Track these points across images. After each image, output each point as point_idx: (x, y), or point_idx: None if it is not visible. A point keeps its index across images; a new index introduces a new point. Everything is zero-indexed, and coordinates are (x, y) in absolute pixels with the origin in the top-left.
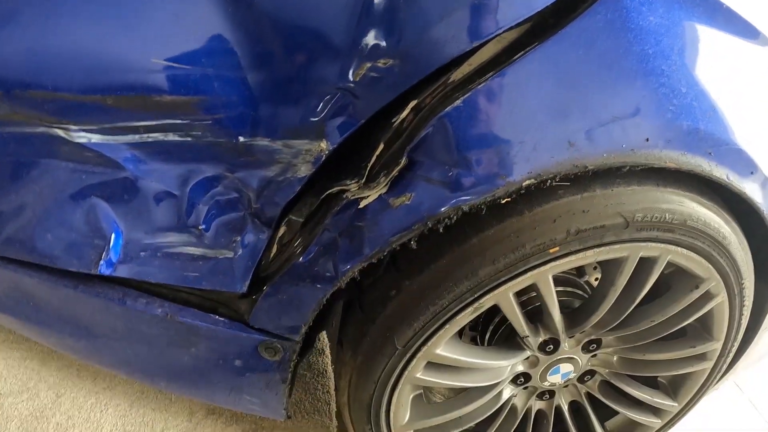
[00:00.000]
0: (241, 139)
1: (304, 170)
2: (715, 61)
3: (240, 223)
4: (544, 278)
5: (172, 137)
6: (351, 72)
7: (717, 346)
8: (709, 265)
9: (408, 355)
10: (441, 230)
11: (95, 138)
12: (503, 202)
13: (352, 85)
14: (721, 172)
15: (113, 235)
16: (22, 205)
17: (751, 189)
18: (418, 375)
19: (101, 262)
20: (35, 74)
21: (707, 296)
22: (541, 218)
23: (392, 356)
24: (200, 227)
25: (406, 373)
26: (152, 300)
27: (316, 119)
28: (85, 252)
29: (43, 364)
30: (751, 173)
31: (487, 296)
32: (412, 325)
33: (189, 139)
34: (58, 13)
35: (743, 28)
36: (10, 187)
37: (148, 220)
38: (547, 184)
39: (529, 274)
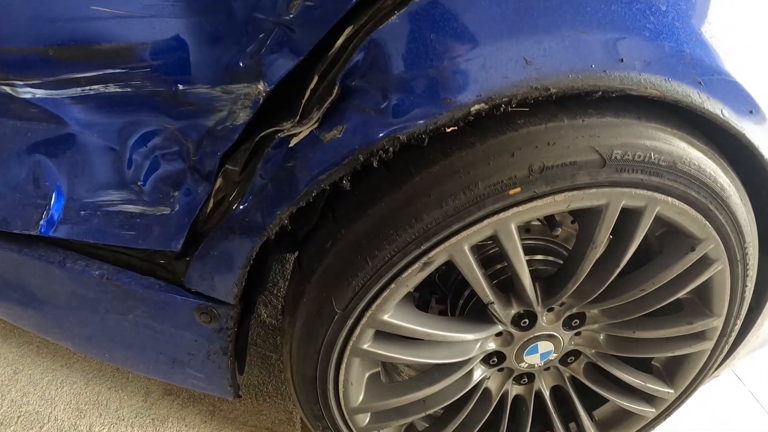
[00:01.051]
0: (180, 87)
1: (243, 117)
2: None
3: (178, 177)
4: (506, 228)
5: (112, 88)
6: (286, 4)
7: (717, 323)
8: (706, 222)
9: (351, 322)
10: (376, 165)
11: (39, 93)
12: (448, 130)
13: (288, 18)
14: (714, 106)
15: (55, 194)
16: None
17: (751, 131)
18: (365, 347)
19: (42, 221)
20: None
21: (705, 261)
22: (496, 151)
23: (332, 321)
24: (139, 183)
25: (350, 343)
26: (91, 262)
27: (253, 60)
28: (27, 212)
29: (3, 341)
30: (750, 112)
31: (437, 249)
32: (350, 283)
33: (129, 89)
34: None
35: None
36: None
37: (90, 178)
38: (501, 110)
39: (486, 221)
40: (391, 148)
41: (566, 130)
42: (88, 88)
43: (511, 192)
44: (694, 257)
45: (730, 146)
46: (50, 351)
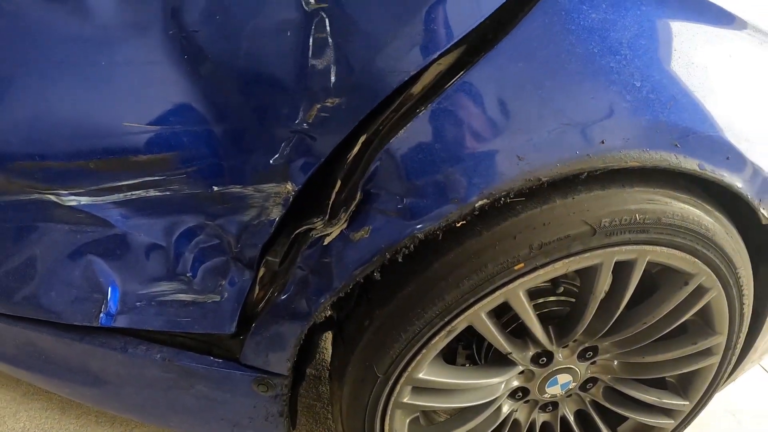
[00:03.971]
0: (215, 188)
1: (276, 212)
2: (677, 49)
3: (224, 268)
4: (515, 295)
5: (153, 193)
6: (303, 114)
7: (721, 339)
8: (695, 260)
9: (391, 382)
10: (400, 260)
11: (84, 200)
12: (458, 225)
13: (306, 126)
14: (691, 163)
15: (110, 289)
16: (26, 267)
17: (729, 175)
18: (405, 400)
19: (101, 314)
20: (23, 146)
21: (700, 291)
22: (500, 236)
23: (375, 384)
24: (188, 274)
25: (392, 399)
26: (151, 346)
27: (280, 163)
28: (85, 306)
29: (63, 413)
30: (727, 158)
31: (458, 319)
32: (388, 353)
33: (168, 193)
34: (37, 88)
35: (711, 14)
36: (13, 250)
37: (141, 272)
38: (502, 202)
39: (497, 293)
40: (411, 245)
41: (559, 209)
42: (129, 193)
43: (516, 268)
44: (688, 289)
45: (711, 185)
46: (108, 419)
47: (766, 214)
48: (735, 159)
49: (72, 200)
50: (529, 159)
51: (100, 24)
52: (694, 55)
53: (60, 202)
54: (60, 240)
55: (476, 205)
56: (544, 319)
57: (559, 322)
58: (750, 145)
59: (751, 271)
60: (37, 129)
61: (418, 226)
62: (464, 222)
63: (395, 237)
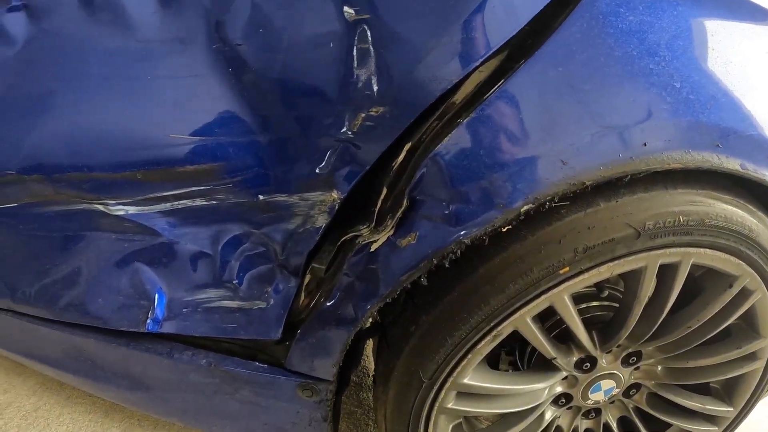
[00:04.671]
0: (261, 197)
1: (321, 220)
2: (714, 48)
3: (269, 275)
4: (560, 299)
5: (199, 202)
6: (348, 124)
7: (765, 343)
8: (740, 261)
9: (436, 387)
10: (447, 265)
11: (131, 210)
12: (504, 230)
13: (351, 135)
14: (733, 163)
15: (157, 295)
16: (73, 274)
17: None
18: (449, 405)
19: (148, 320)
20: (71, 159)
21: (744, 293)
22: (545, 240)
23: (420, 389)
24: (234, 282)
25: (437, 404)
26: (197, 352)
27: (325, 171)
28: (132, 312)
29: (106, 416)
30: None
31: (504, 324)
32: (434, 358)
33: (214, 202)
34: (84, 102)
35: (746, 11)
36: (61, 258)
37: (187, 279)
38: (547, 207)
39: (542, 297)
40: (458, 250)
41: (603, 212)
42: (176, 203)
43: (561, 272)
44: (733, 292)
45: (754, 184)
46: (151, 423)
47: None
48: None
49: (119, 209)
50: (573, 163)
51: (143, 38)
52: (732, 53)
53: (107, 211)
54: (107, 248)
55: (521, 210)
56: (588, 323)
57: (603, 327)
58: None
59: None
60: (84, 142)
61: (465, 232)
62: (510, 227)
63: (442, 243)
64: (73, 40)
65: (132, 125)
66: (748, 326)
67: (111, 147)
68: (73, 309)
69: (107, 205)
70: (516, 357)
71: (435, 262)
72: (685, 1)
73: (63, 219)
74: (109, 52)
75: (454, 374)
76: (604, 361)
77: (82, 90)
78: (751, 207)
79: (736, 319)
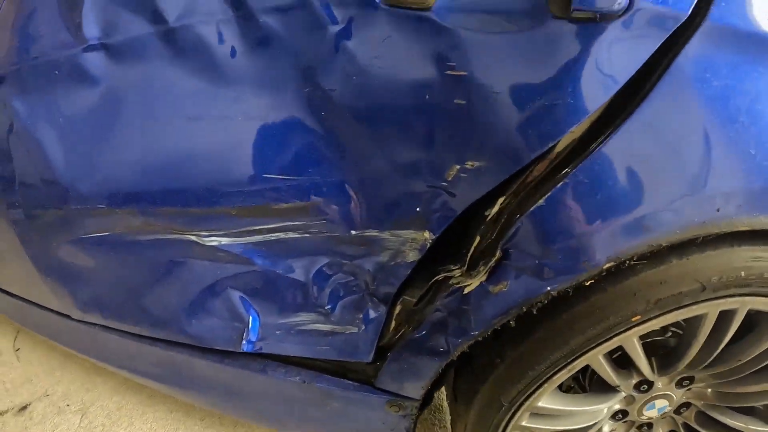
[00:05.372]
0: (353, 232)
1: (412, 256)
2: None
3: (361, 303)
4: (629, 341)
5: (292, 235)
6: (443, 173)
7: None
8: None
9: (514, 409)
10: (535, 312)
11: (225, 240)
12: (587, 284)
13: (445, 184)
14: None
15: (251, 318)
16: (169, 297)
17: None
18: (523, 423)
19: (243, 342)
20: (163, 195)
21: None
22: (622, 293)
23: (500, 410)
24: (326, 307)
25: (512, 422)
26: (290, 369)
27: (418, 213)
28: (227, 333)
29: (187, 415)
30: None
31: (579, 359)
32: (516, 386)
33: (307, 235)
34: (175, 141)
35: None
36: (156, 282)
37: (280, 304)
38: (626, 265)
39: (615, 338)
40: (545, 300)
41: (675, 268)
42: (269, 235)
43: (633, 319)
44: None
45: None
46: (231, 421)
47: None
48: None
49: (213, 241)
50: (652, 228)
51: (232, 80)
52: None
53: (201, 242)
54: (201, 273)
55: (604, 267)
56: (648, 348)
57: (663, 355)
58: None
59: None
60: (177, 179)
61: (554, 285)
62: (592, 281)
63: (531, 293)
64: (159, 80)
65: (226, 164)
66: None
67: (204, 185)
68: (169, 328)
69: (200, 236)
70: (579, 377)
71: (524, 309)
72: (765, 61)
73: (155, 246)
74: (198, 92)
75: (531, 399)
76: (660, 383)
77: (173, 129)
78: None
79: None
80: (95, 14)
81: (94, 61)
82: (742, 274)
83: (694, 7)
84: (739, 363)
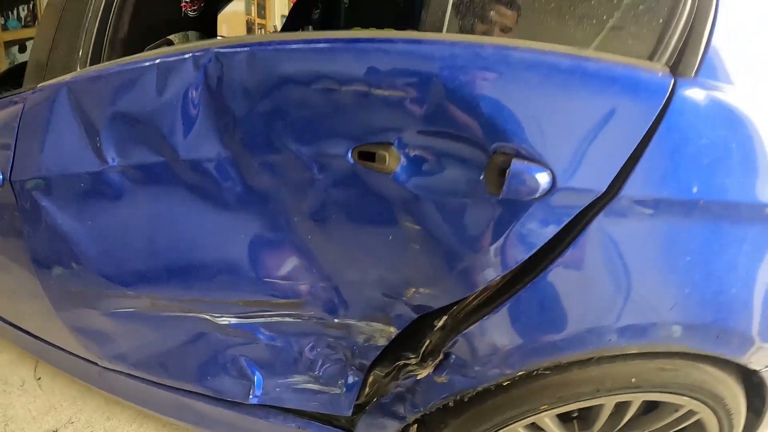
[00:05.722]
0: (336, 320)
1: (382, 341)
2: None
3: (342, 371)
4: (542, 420)
5: (288, 320)
6: (403, 292)
7: None
8: (690, 400)
9: None
10: (466, 399)
11: (234, 321)
12: (505, 384)
13: (405, 299)
14: (719, 352)
15: (256, 378)
16: (188, 358)
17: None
18: None
19: (250, 395)
20: (183, 290)
21: (688, 414)
22: (533, 390)
23: None
24: (316, 372)
25: None
26: (288, 416)
27: (385, 313)
28: (237, 389)
29: None
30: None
31: (503, 429)
32: None
33: (300, 320)
34: (195, 253)
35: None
36: (177, 347)
37: (279, 368)
38: (536, 372)
39: (529, 418)
40: (475, 392)
41: (575, 375)
42: (270, 319)
43: (542, 408)
44: (680, 413)
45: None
46: None
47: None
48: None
49: (224, 321)
50: (558, 350)
51: (236, 208)
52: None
53: (214, 321)
54: (215, 342)
55: (518, 374)
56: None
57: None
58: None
59: (743, 407)
60: (193, 280)
61: (480, 383)
62: (509, 381)
63: (464, 386)
64: (172, 200)
65: (232, 270)
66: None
67: (217, 286)
68: (188, 381)
69: (214, 317)
70: None
71: (458, 397)
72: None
73: (176, 321)
74: (206, 213)
75: None
76: None
77: (187, 241)
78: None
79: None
80: (114, 142)
81: (115, 179)
82: (633, 380)
83: (609, 185)
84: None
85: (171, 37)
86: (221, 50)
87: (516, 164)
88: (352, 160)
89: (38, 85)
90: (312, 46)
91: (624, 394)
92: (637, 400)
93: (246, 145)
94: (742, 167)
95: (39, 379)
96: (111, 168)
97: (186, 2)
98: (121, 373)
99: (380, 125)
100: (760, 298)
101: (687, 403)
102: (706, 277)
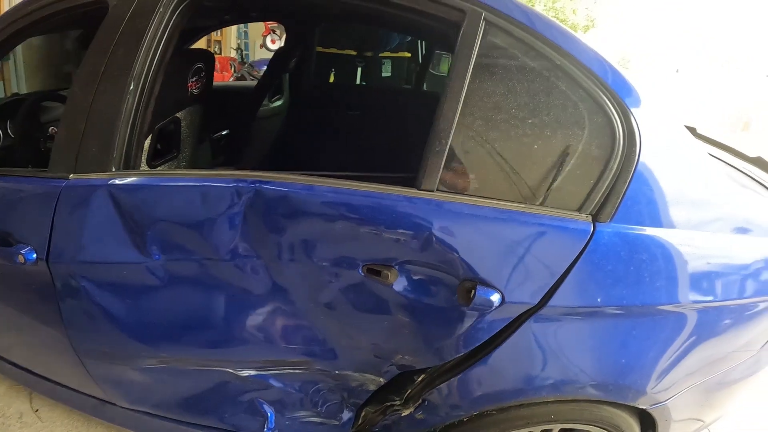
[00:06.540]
0: (336, 372)
1: (373, 387)
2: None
3: (340, 407)
4: None
5: (298, 371)
6: (392, 357)
7: None
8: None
9: None
10: (437, 430)
11: (252, 373)
12: (465, 420)
13: (392, 361)
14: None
15: (269, 414)
16: (211, 400)
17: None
18: None
19: (265, 429)
20: (210, 354)
21: None
22: (485, 424)
23: None
24: (318, 409)
25: None
26: None
27: (375, 367)
28: (253, 424)
29: None
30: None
31: None
32: None
33: (307, 372)
34: (220, 328)
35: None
36: (202, 391)
37: (290, 407)
38: (486, 412)
39: None
40: (444, 425)
41: (514, 413)
42: (283, 371)
43: None
44: None
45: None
46: None
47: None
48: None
49: (243, 373)
50: (501, 399)
51: (256, 295)
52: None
53: (236, 373)
54: (235, 388)
55: (472, 414)
56: None
57: None
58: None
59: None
60: (218, 347)
61: (448, 420)
62: (467, 419)
63: (437, 422)
64: (207, 289)
65: (253, 338)
66: None
67: (240, 355)
68: (210, 418)
69: (236, 370)
70: None
71: (432, 428)
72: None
73: (202, 372)
74: (241, 298)
75: None
76: None
77: (213, 319)
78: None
79: None
80: (158, 242)
81: (156, 268)
82: (552, 416)
83: (540, 300)
84: None
85: (178, 114)
86: (263, 186)
87: (479, 289)
88: (362, 273)
89: (71, 176)
90: (336, 196)
91: (547, 425)
92: (556, 428)
93: (278, 255)
94: (635, 282)
95: (37, 410)
96: (154, 261)
97: (192, 82)
98: (139, 412)
99: (386, 254)
100: (645, 365)
101: (593, 429)
102: (606, 353)
